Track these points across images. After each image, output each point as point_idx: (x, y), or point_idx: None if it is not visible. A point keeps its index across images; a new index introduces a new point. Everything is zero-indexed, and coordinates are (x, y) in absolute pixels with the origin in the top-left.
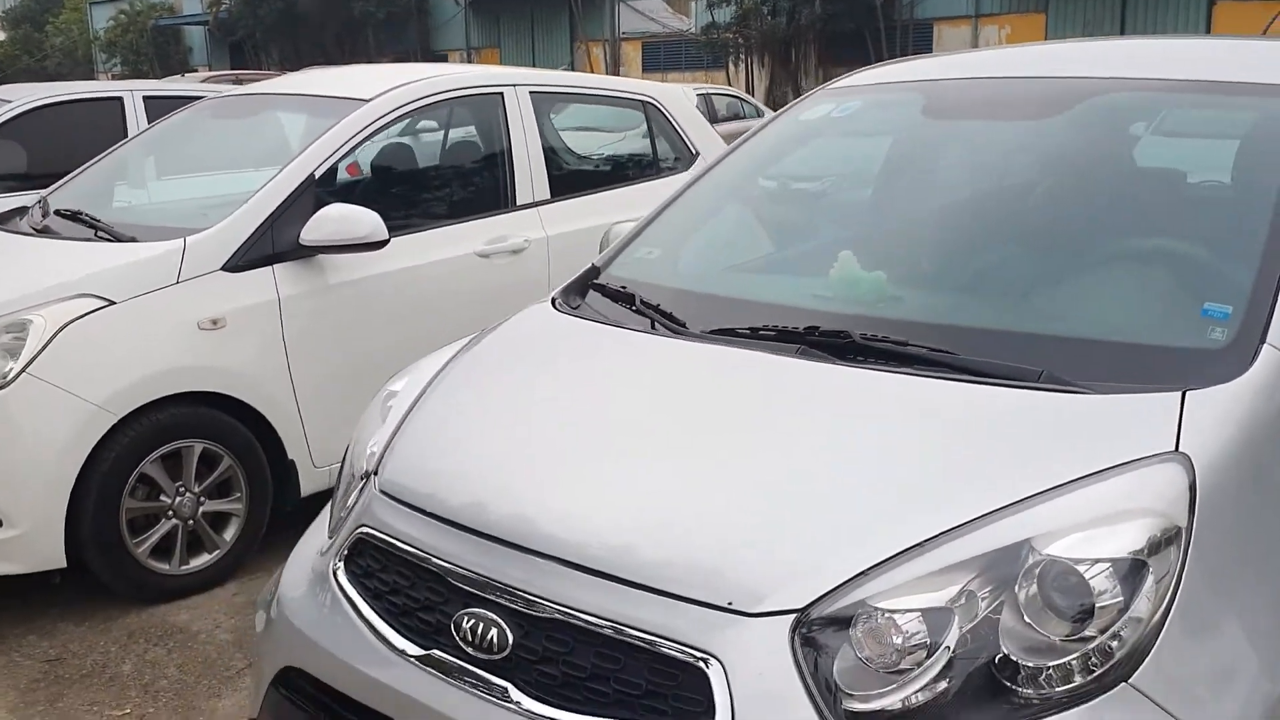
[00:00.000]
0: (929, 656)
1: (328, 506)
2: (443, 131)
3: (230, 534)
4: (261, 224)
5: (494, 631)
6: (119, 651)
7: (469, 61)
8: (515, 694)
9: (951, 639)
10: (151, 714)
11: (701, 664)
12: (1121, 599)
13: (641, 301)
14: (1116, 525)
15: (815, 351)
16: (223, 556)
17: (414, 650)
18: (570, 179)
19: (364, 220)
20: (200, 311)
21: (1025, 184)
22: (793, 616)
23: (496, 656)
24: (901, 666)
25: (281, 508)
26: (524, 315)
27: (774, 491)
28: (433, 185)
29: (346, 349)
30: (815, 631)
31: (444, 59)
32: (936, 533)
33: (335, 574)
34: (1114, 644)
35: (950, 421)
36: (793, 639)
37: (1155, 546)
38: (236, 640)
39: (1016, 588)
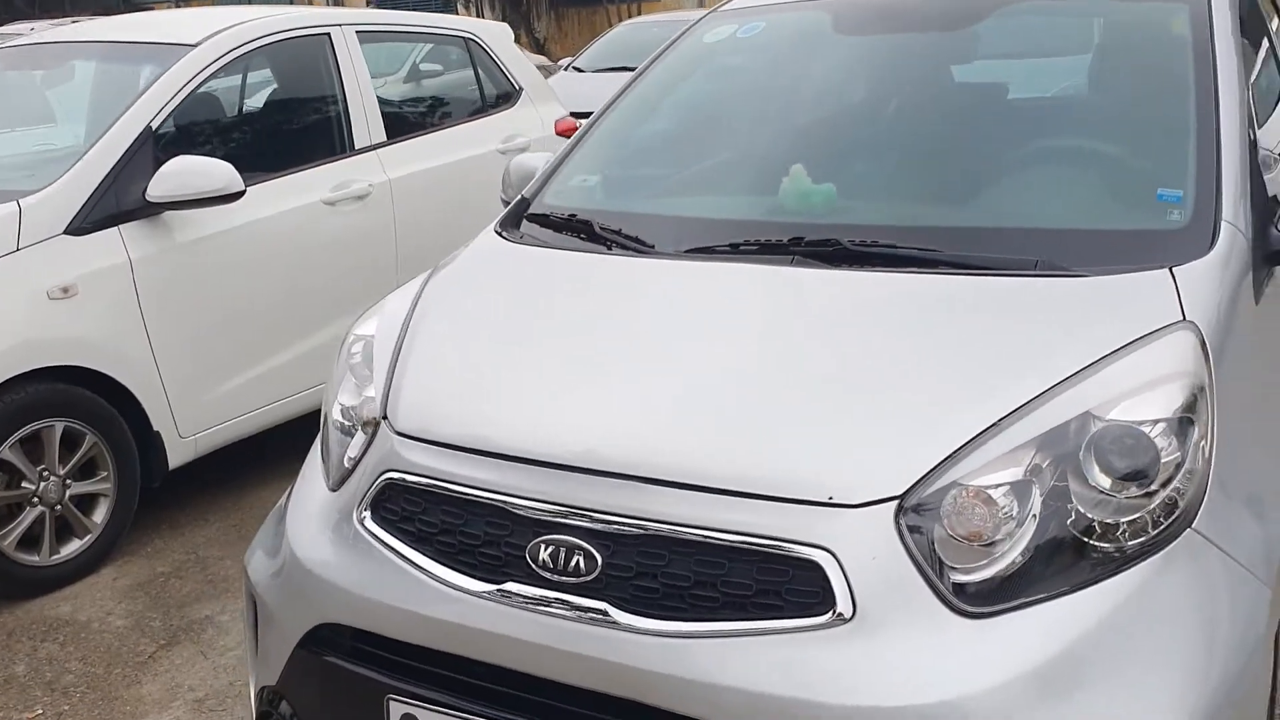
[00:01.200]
0: (1018, 526)
1: (307, 464)
2: (274, 76)
3: (100, 516)
4: (102, 182)
5: (578, 556)
6: (3, 653)
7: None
8: (615, 613)
9: (1035, 508)
10: (67, 711)
11: (814, 557)
12: (1179, 454)
13: (601, 227)
14: (1159, 388)
15: (809, 260)
16: (95, 541)
17: (481, 586)
18: (402, 120)
19: (218, 172)
20: (48, 279)
21: (954, 92)
22: (894, 503)
23: (584, 579)
24: (996, 538)
25: (149, 484)
26: (479, 248)
27: (833, 390)
28: (271, 132)
29: (205, 309)
30: (915, 514)
31: (147, 9)
32: (1006, 413)
33: (363, 523)
34: (1176, 495)
35: (973, 310)
36: (897, 523)
37: (1192, 403)
38: (136, 625)
39: (1083, 455)
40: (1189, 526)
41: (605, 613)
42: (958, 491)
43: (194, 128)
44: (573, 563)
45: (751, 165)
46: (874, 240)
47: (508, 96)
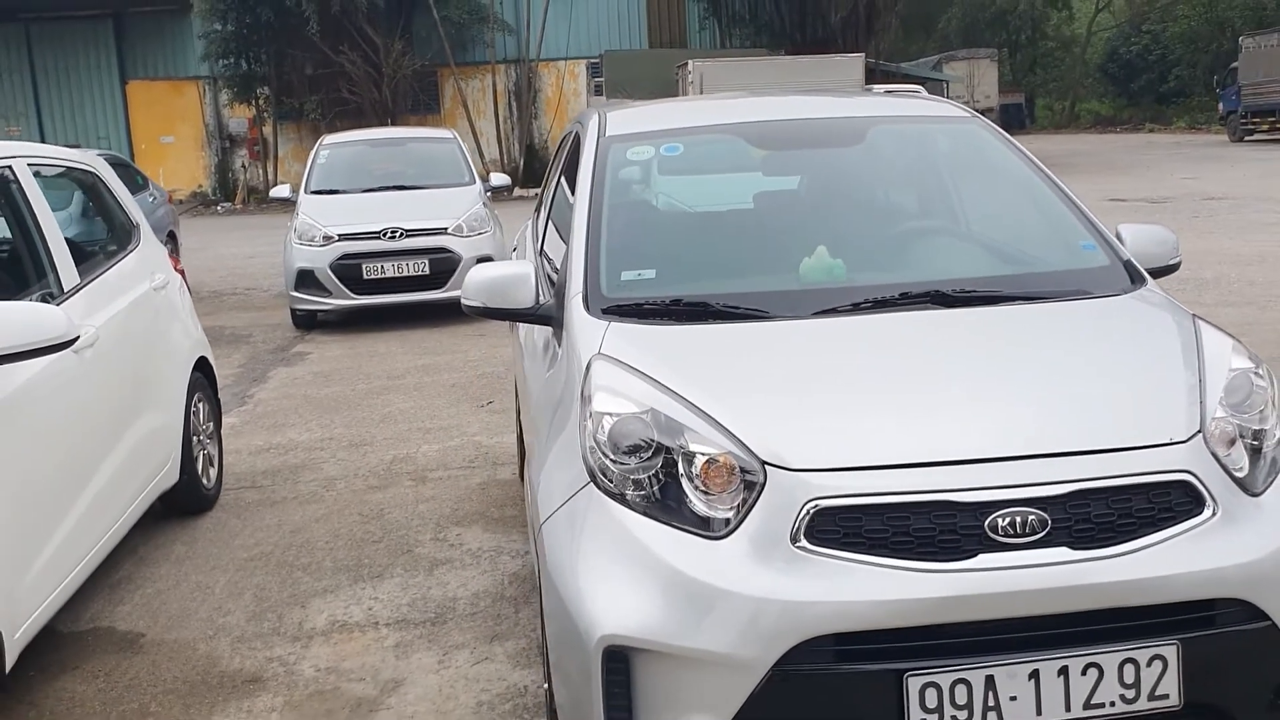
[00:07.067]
0: (1239, 440)
1: (598, 549)
2: None
3: None
4: None
5: (1033, 517)
6: None
7: None
8: (1072, 552)
9: (1236, 430)
10: None
11: (1184, 478)
12: (1270, 386)
13: (722, 305)
14: (1241, 351)
15: (928, 305)
16: None
17: (957, 564)
18: (77, 260)
19: (52, 320)
20: None
21: (891, 187)
22: (1200, 435)
23: (1039, 535)
24: (1232, 451)
25: None
26: (633, 332)
27: (1085, 377)
28: (11, 272)
29: (17, 476)
30: (1207, 440)
31: None
32: (1200, 377)
33: (802, 549)
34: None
35: (1084, 320)
36: (1207, 447)
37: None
38: None
39: (1228, 393)
40: None
41: (1067, 553)
42: (1214, 423)
43: None
44: (1028, 525)
45: (779, 249)
46: (965, 289)
47: (129, 233)
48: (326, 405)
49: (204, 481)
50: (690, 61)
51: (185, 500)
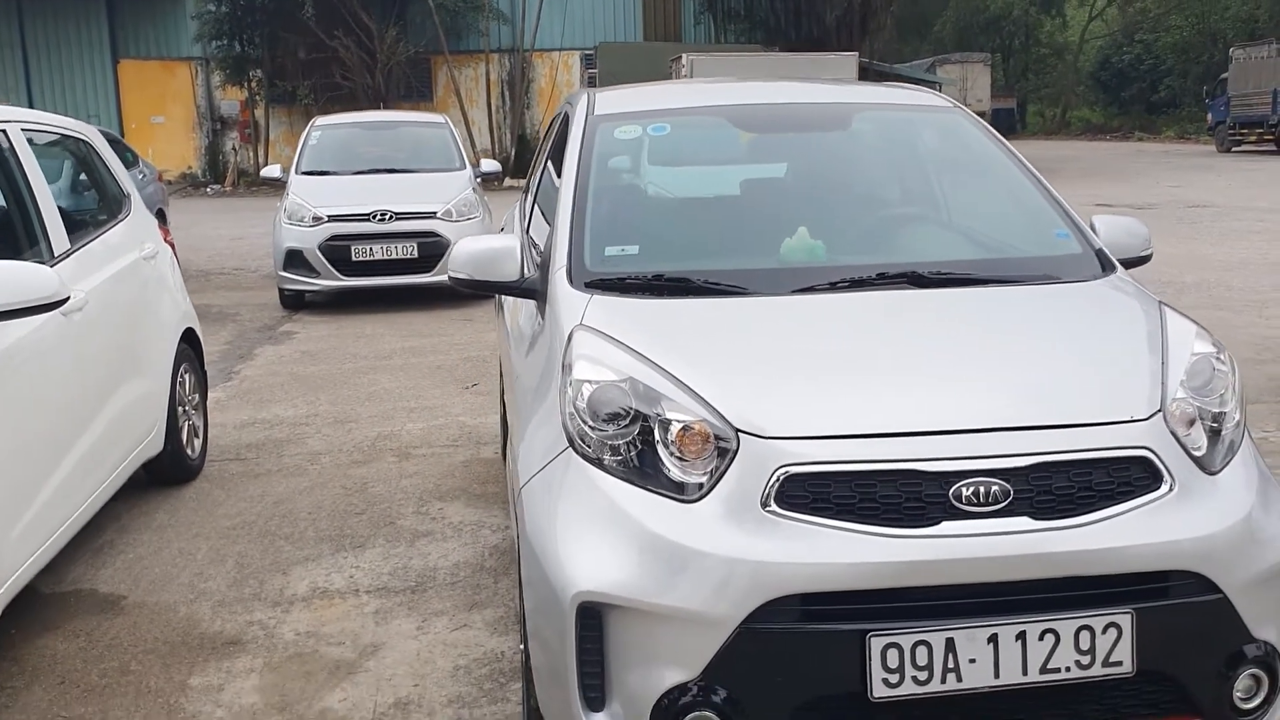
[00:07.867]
0: (1199, 421)
1: (575, 506)
2: None
3: None
4: None
5: (995, 488)
6: None
7: None
8: (1034, 522)
9: (1196, 411)
10: None
11: (1144, 455)
12: (1229, 369)
13: (705, 282)
14: (1204, 337)
15: (904, 285)
16: None
17: (922, 530)
18: (68, 226)
19: (42, 278)
20: None
21: (873, 173)
22: (1160, 414)
23: (1001, 505)
24: (1191, 431)
25: None
26: (618, 305)
27: (1060, 358)
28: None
29: (4, 434)
30: (1167, 420)
31: None
32: (1163, 359)
33: (772, 513)
34: (1235, 397)
35: (1057, 303)
36: (1166, 425)
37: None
38: None
39: (1190, 375)
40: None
41: (1028, 523)
42: (1175, 404)
43: None
44: (990, 495)
45: (761, 230)
46: (940, 271)
47: (120, 202)
48: (312, 383)
49: (188, 451)
50: (684, 55)
51: (169, 469)
